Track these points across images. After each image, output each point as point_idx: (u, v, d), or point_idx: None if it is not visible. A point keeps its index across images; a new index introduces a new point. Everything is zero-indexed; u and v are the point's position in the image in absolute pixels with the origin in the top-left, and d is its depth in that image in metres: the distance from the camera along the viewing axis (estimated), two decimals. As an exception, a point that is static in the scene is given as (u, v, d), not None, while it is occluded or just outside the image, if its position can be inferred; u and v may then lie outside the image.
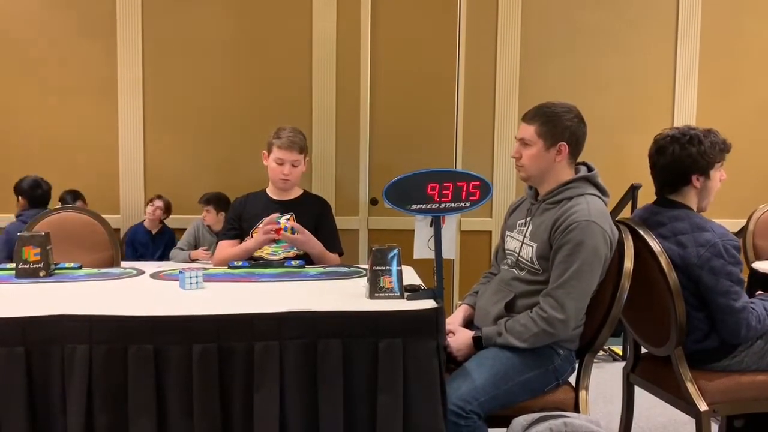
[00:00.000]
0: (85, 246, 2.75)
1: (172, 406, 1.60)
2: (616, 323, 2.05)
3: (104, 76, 4.22)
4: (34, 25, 4.19)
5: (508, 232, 2.21)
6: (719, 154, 2.16)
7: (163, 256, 4.19)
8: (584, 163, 2.13)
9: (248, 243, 2.62)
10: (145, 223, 4.23)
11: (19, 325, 1.59)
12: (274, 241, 2.61)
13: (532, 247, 2.04)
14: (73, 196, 4.10)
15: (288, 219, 2.65)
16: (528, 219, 2.11)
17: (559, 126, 2.03)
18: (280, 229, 2.53)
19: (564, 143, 2.03)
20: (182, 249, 4.18)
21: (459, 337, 2.06)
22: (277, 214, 2.61)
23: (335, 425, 1.63)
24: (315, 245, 2.59)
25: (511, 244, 2.16)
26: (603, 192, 2.08)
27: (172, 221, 4.34)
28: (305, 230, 2.56)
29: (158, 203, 4.21)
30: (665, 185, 2.20)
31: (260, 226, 2.63)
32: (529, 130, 2.06)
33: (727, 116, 4.37)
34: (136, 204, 4.32)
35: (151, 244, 4.24)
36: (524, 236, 2.09)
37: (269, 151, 2.68)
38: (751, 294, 2.26)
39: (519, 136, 2.10)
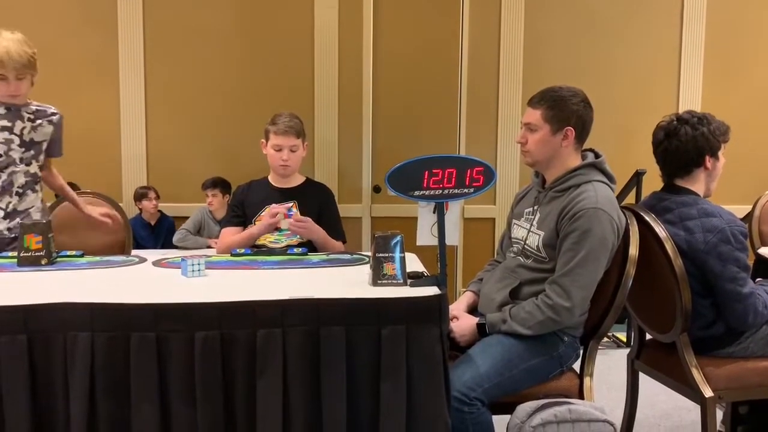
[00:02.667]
0: (101, 229, 2.78)
1: (174, 393, 1.60)
2: (621, 310, 2.04)
3: (106, 63, 4.19)
4: (35, 12, 4.16)
5: (515, 221, 2.20)
6: (724, 135, 2.16)
7: (165, 245, 4.17)
8: (591, 150, 2.11)
9: (252, 229, 2.61)
10: (143, 215, 4.21)
11: (21, 313, 1.59)
12: (277, 228, 2.60)
13: (539, 235, 2.03)
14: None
15: (291, 206, 2.64)
16: (535, 207, 2.09)
17: (565, 110, 2.01)
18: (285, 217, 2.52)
19: (570, 128, 2.01)
20: (188, 231, 4.16)
21: (462, 323, 2.05)
22: (282, 206, 2.60)
23: (338, 412, 1.62)
24: (318, 232, 2.58)
25: (518, 232, 2.15)
26: (610, 178, 2.06)
27: (174, 209, 4.32)
28: (308, 219, 2.55)
29: (152, 194, 4.17)
30: (678, 169, 2.16)
31: (264, 213, 2.62)
32: (535, 115, 2.03)
33: (732, 101, 4.34)
34: (138, 192, 4.30)
35: (151, 235, 4.22)
36: (531, 225, 2.08)
37: (267, 139, 2.67)
38: (753, 280, 2.25)
39: (525, 121, 2.07)
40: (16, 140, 2.48)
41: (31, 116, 2.52)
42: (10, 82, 2.38)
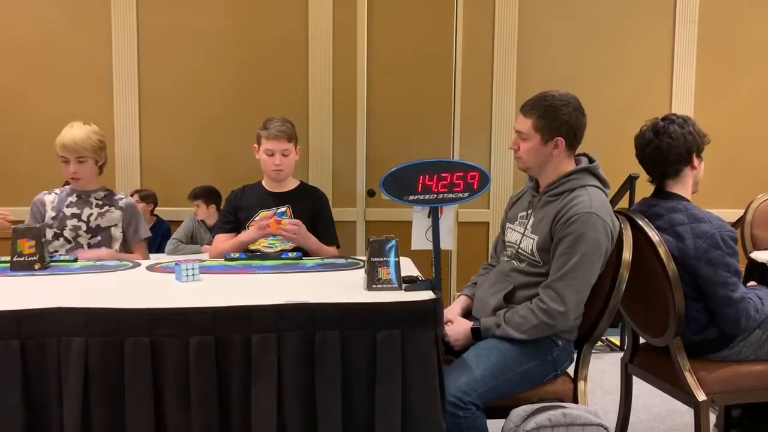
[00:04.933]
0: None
1: (169, 398, 1.59)
2: (615, 314, 2.05)
3: (99, 68, 4.18)
4: (28, 18, 4.15)
5: (508, 224, 2.20)
6: (705, 136, 2.19)
7: (161, 249, 4.15)
8: (585, 154, 2.12)
9: (242, 237, 2.60)
10: None
11: (15, 319, 1.58)
12: (271, 234, 2.60)
13: (533, 239, 2.03)
14: None
15: (284, 211, 2.64)
16: (529, 211, 2.10)
17: (556, 121, 2.01)
18: (277, 225, 2.51)
19: (561, 138, 2.01)
20: (180, 241, 4.14)
21: (457, 327, 2.05)
22: (271, 213, 2.60)
23: (333, 417, 1.62)
24: (310, 239, 2.58)
25: (512, 236, 2.15)
26: (604, 183, 2.07)
27: (168, 213, 4.31)
28: (301, 224, 2.55)
29: (136, 198, 4.13)
30: (668, 167, 2.17)
31: (256, 219, 2.61)
32: (526, 124, 2.04)
33: (725, 105, 4.37)
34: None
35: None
36: (525, 229, 2.08)
37: (259, 144, 2.67)
38: (745, 284, 2.26)
39: (516, 129, 2.08)
40: (83, 227, 2.53)
41: (99, 202, 2.58)
42: (70, 164, 2.51)
